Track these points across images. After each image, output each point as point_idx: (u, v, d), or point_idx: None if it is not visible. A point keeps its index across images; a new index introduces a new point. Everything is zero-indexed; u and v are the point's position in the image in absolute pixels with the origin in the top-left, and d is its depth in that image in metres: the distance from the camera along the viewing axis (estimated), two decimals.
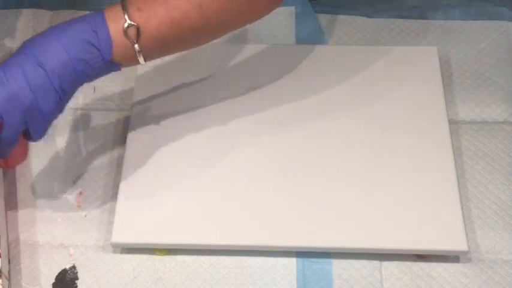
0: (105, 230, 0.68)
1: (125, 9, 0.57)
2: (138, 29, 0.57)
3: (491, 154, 0.72)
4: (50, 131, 0.74)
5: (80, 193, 0.70)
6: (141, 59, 0.59)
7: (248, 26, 0.82)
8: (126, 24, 0.57)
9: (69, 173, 0.72)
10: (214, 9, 0.58)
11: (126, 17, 0.57)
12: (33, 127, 0.58)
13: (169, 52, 0.62)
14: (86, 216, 0.69)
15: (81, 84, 0.59)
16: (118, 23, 0.57)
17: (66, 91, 0.57)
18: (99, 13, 0.58)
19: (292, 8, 0.83)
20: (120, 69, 0.60)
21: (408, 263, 0.65)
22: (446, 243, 0.64)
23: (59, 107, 0.58)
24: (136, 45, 0.58)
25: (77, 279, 0.65)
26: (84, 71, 0.57)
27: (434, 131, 0.71)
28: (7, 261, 0.65)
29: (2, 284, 0.62)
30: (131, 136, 0.71)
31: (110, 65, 0.58)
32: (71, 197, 0.70)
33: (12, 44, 0.82)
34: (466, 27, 0.82)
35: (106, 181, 0.71)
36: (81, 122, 0.75)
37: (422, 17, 0.83)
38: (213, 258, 0.66)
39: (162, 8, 0.57)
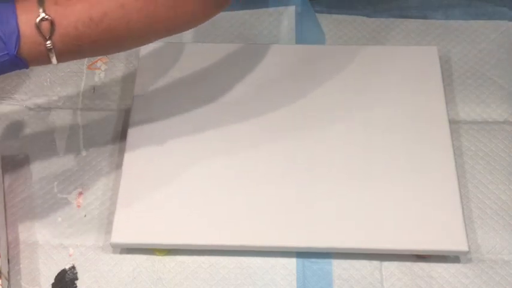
0: (104, 230, 0.68)
1: (41, 1, 0.52)
2: (52, 23, 0.52)
3: (492, 154, 0.72)
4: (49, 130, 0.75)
5: (80, 193, 0.70)
6: (53, 59, 0.54)
7: (248, 26, 0.82)
8: (39, 18, 0.52)
9: (69, 173, 0.72)
10: (137, 11, 0.54)
11: (40, 9, 0.52)
12: None
13: (86, 54, 0.58)
14: (85, 216, 0.69)
15: None
16: (31, 15, 0.52)
17: None
18: (11, 2, 0.53)
19: (292, 8, 0.83)
20: (27, 68, 0.55)
21: (408, 263, 0.65)
22: (446, 244, 0.64)
23: None
24: (48, 42, 0.53)
25: (77, 279, 0.65)
26: None
27: (435, 131, 0.70)
28: (6, 262, 0.65)
29: (1, 284, 0.62)
30: (131, 136, 0.71)
31: (16, 61, 0.53)
32: (70, 197, 0.70)
33: None
34: (467, 27, 0.82)
35: (106, 181, 0.71)
36: (81, 122, 0.75)
37: (422, 17, 0.83)
38: (212, 259, 0.66)
39: (81, 4, 0.53)
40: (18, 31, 0.52)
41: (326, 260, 0.65)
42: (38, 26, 0.52)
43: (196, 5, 0.56)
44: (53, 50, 0.53)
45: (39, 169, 0.72)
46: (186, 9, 0.56)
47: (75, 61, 0.80)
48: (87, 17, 0.53)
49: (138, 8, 0.54)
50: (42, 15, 0.52)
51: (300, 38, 0.81)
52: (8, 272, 0.65)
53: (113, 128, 0.75)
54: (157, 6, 0.55)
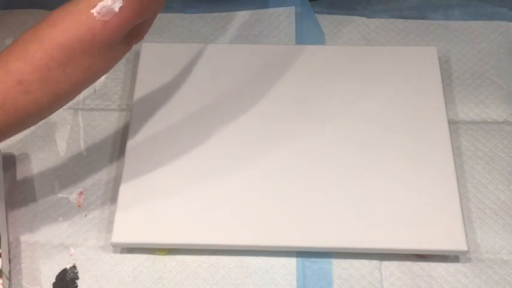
0: (105, 229, 0.68)
1: None
2: None
3: (491, 154, 0.72)
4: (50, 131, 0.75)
5: (81, 193, 0.71)
6: None
7: (248, 26, 0.82)
8: None
9: (70, 172, 0.72)
10: (36, 82, 0.53)
11: None
12: None
13: (8, 136, 0.56)
14: (86, 216, 0.69)
15: None
16: None
17: None
18: None
19: (292, 8, 0.83)
20: None
21: (408, 263, 0.65)
22: (446, 243, 0.64)
23: None
24: None
25: (78, 279, 0.65)
26: None
27: (434, 131, 0.71)
28: (8, 261, 0.65)
29: (2, 284, 0.62)
30: (131, 136, 0.71)
31: None
32: (71, 196, 0.70)
33: None
34: (466, 28, 0.82)
35: (106, 181, 0.71)
36: (81, 122, 0.75)
37: (422, 17, 0.83)
38: (213, 258, 0.66)
39: None
40: None
41: (326, 260, 0.66)
42: None
43: (91, 57, 0.54)
44: None
45: (40, 169, 0.72)
46: (81, 64, 0.54)
47: None
48: None
49: (35, 79, 0.53)
50: None
51: (300, 38, 0.81)
52: (9, 272, 0.65)
53: (114, 127, 0.75)
54: (51, 70, 0.53)
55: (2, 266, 0.63)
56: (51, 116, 0.74)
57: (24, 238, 0.68)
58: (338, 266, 0.65)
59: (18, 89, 0.53)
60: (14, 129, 0.56)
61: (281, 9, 0.83)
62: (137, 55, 0.78)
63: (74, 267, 0.66)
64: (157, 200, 0.67)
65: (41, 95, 0.54)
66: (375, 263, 0.65)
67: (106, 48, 0.55)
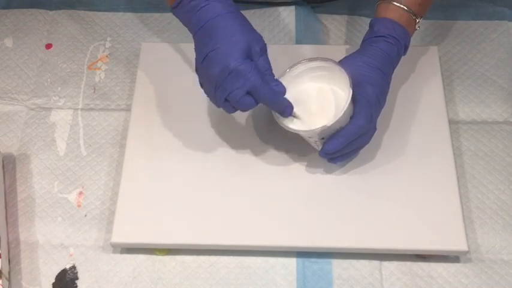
0: (105, 230, 0.68)
1: None
2: None
3: (492, 154, 0.72)
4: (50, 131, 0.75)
5: (80, 193, 0.70)
6: None
7: None
8: None
9: (70, 172, 0.72)
10: None
11: None
12: None
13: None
14: (86, 216, 0.69)
15: None
16: None
17: None
18: None
19: (292, 8, 0.83)
20: None
21: (408, 263, 0.65)
22: (446, 243, 0.64)
23: None
24: None
25: (77, 279, 0.65)
26: None
27: (435, 131, 0.71)
28: (7, 262, 0.65)
29: (2, 285, 0.62)
30: (131, 136, 0.71)
31: None
32: (71, 197, 0.70)
33: (12, 44, 0.82)
34: (466, 27, 0.82)
35: (106, 181, 0.71)
36: (82, 122, 0.75)
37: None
38: (213, 258, 0.66)
39: None
40: None
41: (326, 260, 0.66)
42: None
43: None
44: None
45: (39, 169, 0.72)
46: None
47: (75, 61, 0.80)
48: None
49: None
50: None
51: (300, 38, 0.81)
52: (9, 272, 0.65)
53: (113, 128, 0.75)
54: None
55: (1, 267, 0.63)
56: (51, 116, 0.76)
57: (24, 238, 0.68)
58: (338, 266, 0.65)
59: None
60: None
61: (281, 8, 0.83)
62: (137, 55, 0.78)
63: (74, 267, 0.66)
64: (157, 200, 0.67)
65: None
66: (375, 263, 0.65)
67: None
